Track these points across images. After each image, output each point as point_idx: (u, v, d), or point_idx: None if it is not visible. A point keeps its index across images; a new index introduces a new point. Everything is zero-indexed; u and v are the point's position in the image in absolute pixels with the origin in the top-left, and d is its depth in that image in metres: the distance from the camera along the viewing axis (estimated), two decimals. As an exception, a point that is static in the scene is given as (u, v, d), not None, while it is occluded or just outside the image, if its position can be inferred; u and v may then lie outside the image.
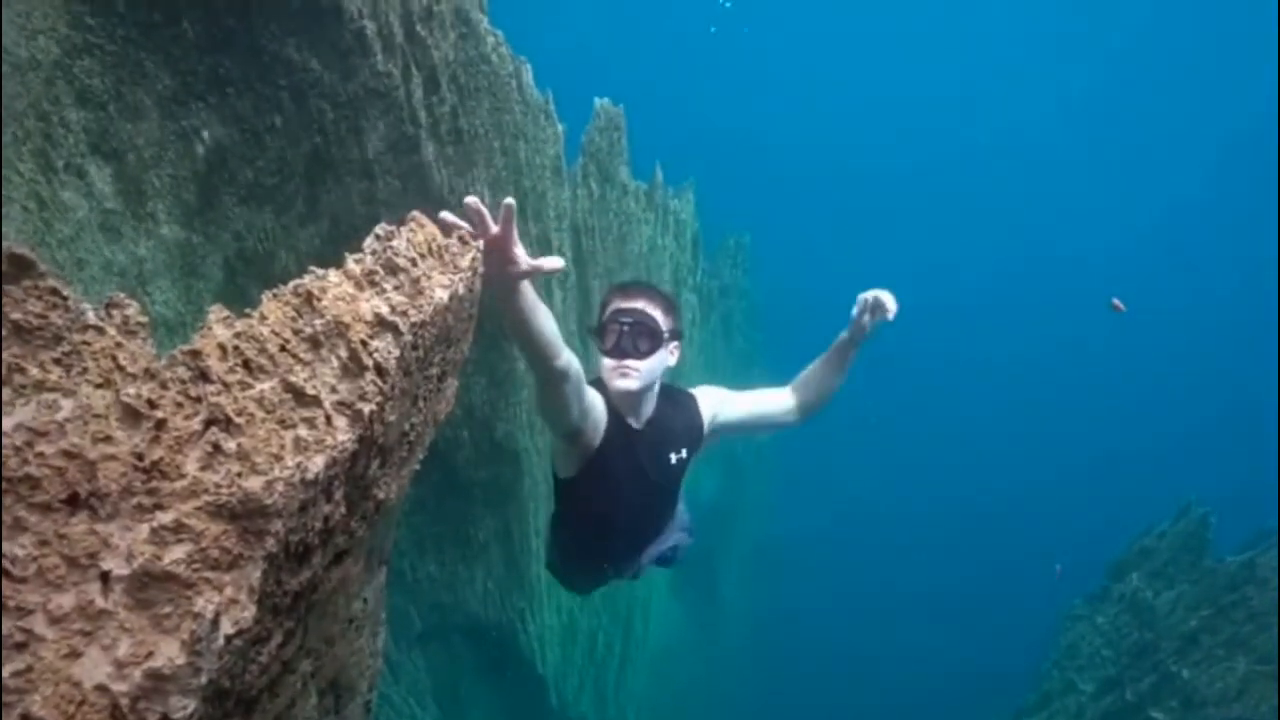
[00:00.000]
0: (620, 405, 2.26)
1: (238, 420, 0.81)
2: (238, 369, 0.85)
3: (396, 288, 1.04)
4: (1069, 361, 28.02)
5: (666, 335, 2.22)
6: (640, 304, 2.21)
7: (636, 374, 2.15)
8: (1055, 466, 24.73)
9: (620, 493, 2.35)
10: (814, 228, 28.23)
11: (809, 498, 17.47)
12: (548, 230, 5.37)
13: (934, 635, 17.73)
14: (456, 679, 6.99)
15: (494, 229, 1.54)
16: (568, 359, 1.86)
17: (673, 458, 2.39)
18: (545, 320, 1.75)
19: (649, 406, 2.33)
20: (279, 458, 0.81)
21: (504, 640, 6.68)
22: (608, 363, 2.19)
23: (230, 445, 0.80)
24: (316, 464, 0.85)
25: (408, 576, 6.05)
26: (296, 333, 0.91)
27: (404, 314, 1.01)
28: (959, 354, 27.35)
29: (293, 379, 0.88)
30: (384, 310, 0.99)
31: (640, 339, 2.14)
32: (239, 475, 0.78)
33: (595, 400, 2.14)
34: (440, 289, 1.13)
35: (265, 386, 0.86)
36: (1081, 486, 23.57)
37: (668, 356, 2.26)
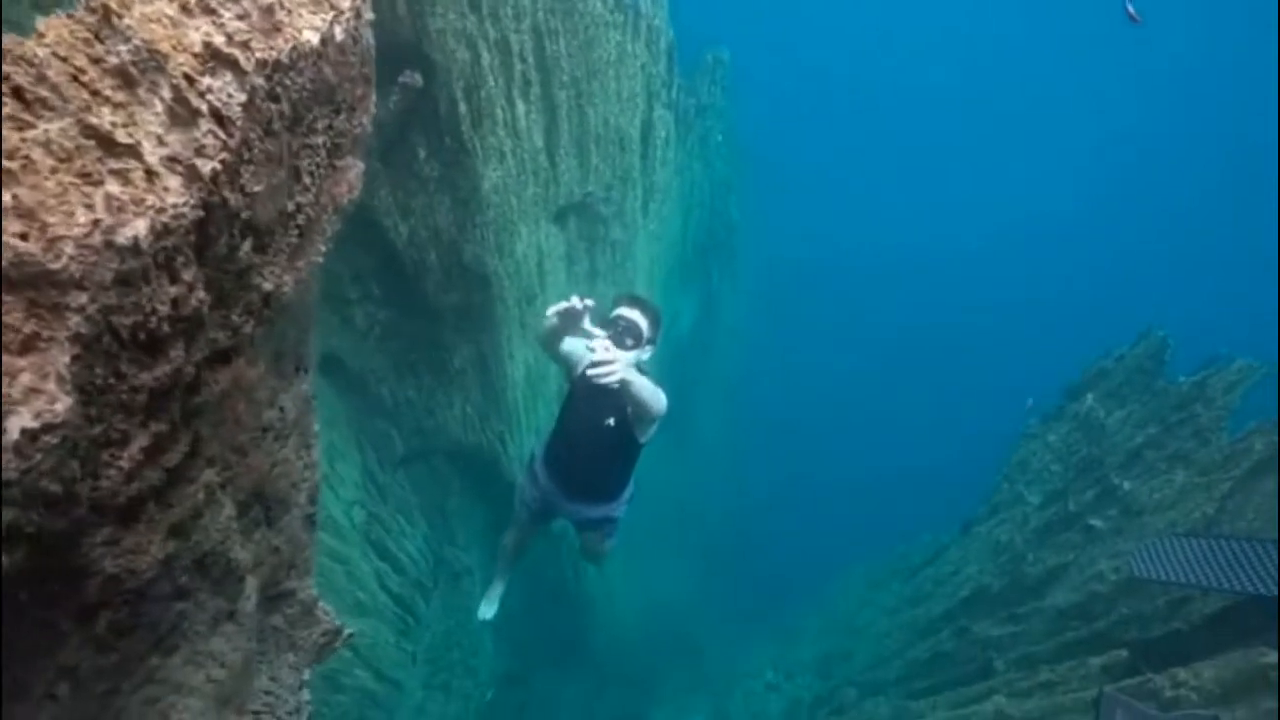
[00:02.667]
0: (601, 356, 3.06)
1: (11, 166, 0.63)
2: (7, 100, 0.65)
3: (240, 16, 0.81)
4: (1040, 198, 27.57)
5: (646, 339, 3.29)
6: (635, 315, 3.27)
7: (619, 361, 2.91)
8: (1022, 293, 25.13)
9: (578, 421, 3.58)
10: (798, 47, 26.21)
11: (782, 324, 17.69)
12: (506, 33, 4.81)
13: (897, 457, 18.86)
14: (443, 498, 7.30)
15: (579, 307, 2.98)
16: (579, 353, 3.32)
17: (606, 421, 3.36)
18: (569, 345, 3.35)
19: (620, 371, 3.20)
20: (73, 215, 0.63)
21: (486, 462, 6.90)
22: (602, 341, 3.00)
23: (4, 198, 0.62)
24: (135, 228, 0.67)
25: (387, 402, 6.10)
26: (95, 61, 0.70)
27: (247, 47, 0.78)
28: (936, 183, 26.72)
29: (95, 121, 0.68)
30: (218, 40, 0.76)
31: (628, 337, 3.22)
32: (20, 236, 0.61)
33: (585, 356, 3.12)
34: (308, 30, 0.89)
35: (52, 127, 0.66)
36: (1046, 313, 24.12)
37: (642, 352, 3.31)
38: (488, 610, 5.00)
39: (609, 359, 2.72)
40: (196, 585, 1.19)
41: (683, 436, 14.79)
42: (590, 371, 2.74)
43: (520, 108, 4.99)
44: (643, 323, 3.26)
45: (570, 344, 3.36)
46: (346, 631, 1.97)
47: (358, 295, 5.25)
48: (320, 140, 1.01)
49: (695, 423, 15.18)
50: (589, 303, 2.98)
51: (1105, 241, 26.70)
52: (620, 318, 3.27)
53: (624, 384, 2.82)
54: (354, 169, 1.16)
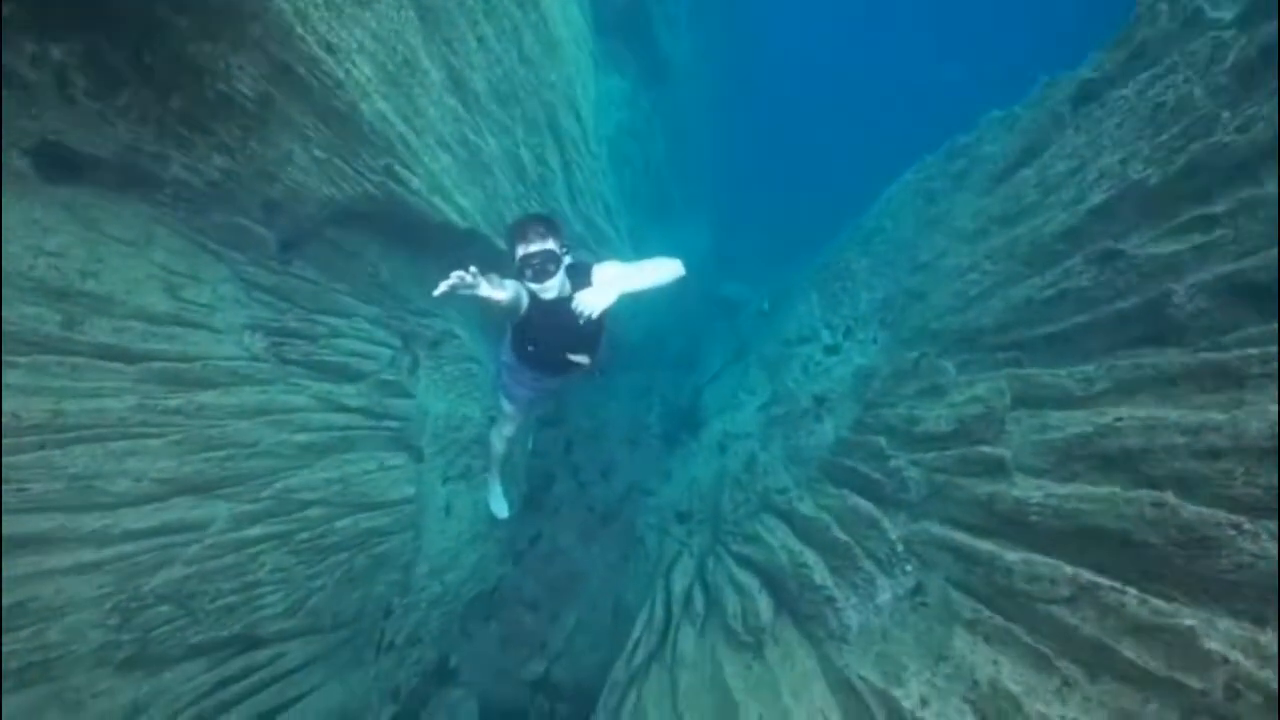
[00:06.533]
0: (537, 292, 3.25)
1: None
2: None
3: None
4: None
5: (563, 250, 3.22)
6: (540, 246, 3.13)
7: (553, 286, 3.20)
8: None
9: (543, 331, 3.46)
10: None
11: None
12: None
13: None
14: (371, 269, 5.55)
15: (469, 280, 2.64)
16: (519, 299, 3.22)
17: (578, 322, 3.01)
18: (503, 294, 2.92)
19: (562, 289, 3.27)
20: None
21: (394, 212, 4.95)
22: (533, 285, 3.20)
23: None
24: None
25: (191, 182, 4.11)
26: None
27: None
28: None
29: None
30: None
31: (549, 265, 3.15)
32: None
33: (520, 292, 3.23)
34: None
35: None
36: None
37: (565, 262, 3.25)
38: (501, 509, 4.97)
39: (585, 299, 2.91)
40: None
41: (654, 68, 12.03)
42: (579, 309, 2.90)
43: None
44: (550, 243, 3.13)
45: (508, 289, 3.03)
46: None
47: None
48: None
49: (663, 51, 12.22)
50: (473, 270, 2.59)
51: None
52: (530, 257, 3.13)
53: (621, 297, 3.01)
54: None
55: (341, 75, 3.70)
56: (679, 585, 5.35)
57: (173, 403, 3.81)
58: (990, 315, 4.80)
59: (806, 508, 4.70)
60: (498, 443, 4.60)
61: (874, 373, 5.98)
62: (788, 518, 4.91)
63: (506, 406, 4.25)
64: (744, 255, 15.05)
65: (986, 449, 3.66)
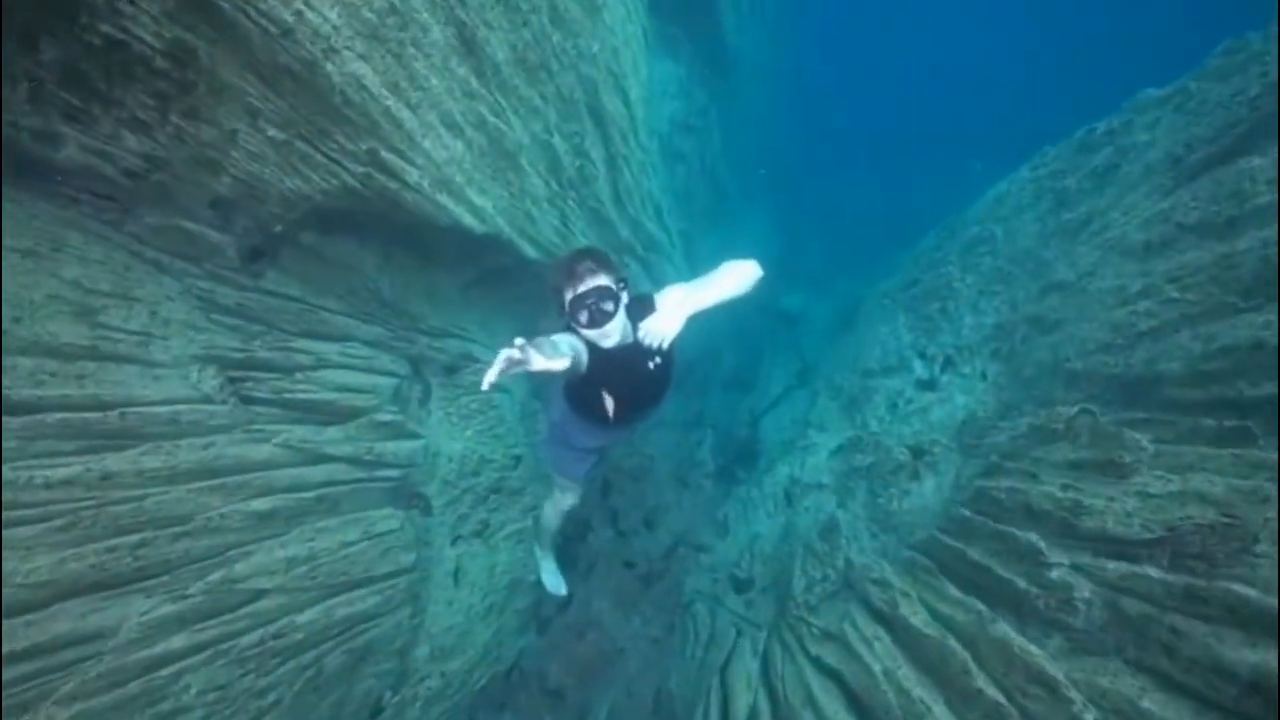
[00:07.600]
0: (596, 340, 2.75)
1: None
2: None
3: None
4: None
5: (620, 289, 2.67)
6: (591, 283, 2.62)
7: (614, 331, 2.66)
8: None
9: (609, 388, 2.93)
10: None
11: None
12: None
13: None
14: (372, 278, 4.56)
15: (517, 357, 2.10)
16: (578, 358, 2.60)
17: (648, 367, 2.83)
18: (562, 363, 2.28)
19: (625, 334, 2.77)
20: None
21: (382, 207, 3.92)
22: (589, 333, 2.66)
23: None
24: None
25: (115, 178, 3.11)
26: None
27: None
28: None
29: None
30: None
31: (606, 304, 2.64)
32: None
33: (580, 347, 2.67)
34: None
35: None
36: None
37: (624, 299, 2.70)
38: (558, 586, 4.40)
39: (652, 328, 2.59)
40: None
41: (715, 50, 10.87)
42: (646, 340, 2.60)
43: None
44: (603, 278, 2.62)
45: (563, 350, 2.42)
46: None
47: None
48: None
49: (724, 35, 11.03)
50: (520, 343, 2.05)
51: None
52: (583, 298, 2.62)
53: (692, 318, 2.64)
54: None
55: (289, 19, 2.63)
56: (740, 697, 4.18)
57: (61, 473, 2.80)
58: (1177, 359, 3.50)
59: (918, 618, 3.47)
60: (553, 517, 3.99)
61: (988, 420, 4.69)
62: (888, 624, 3.69)
63: (562, 481, 3.71)
64: (808, 265, 13.73)
65: (1241, 589, 2.39)
